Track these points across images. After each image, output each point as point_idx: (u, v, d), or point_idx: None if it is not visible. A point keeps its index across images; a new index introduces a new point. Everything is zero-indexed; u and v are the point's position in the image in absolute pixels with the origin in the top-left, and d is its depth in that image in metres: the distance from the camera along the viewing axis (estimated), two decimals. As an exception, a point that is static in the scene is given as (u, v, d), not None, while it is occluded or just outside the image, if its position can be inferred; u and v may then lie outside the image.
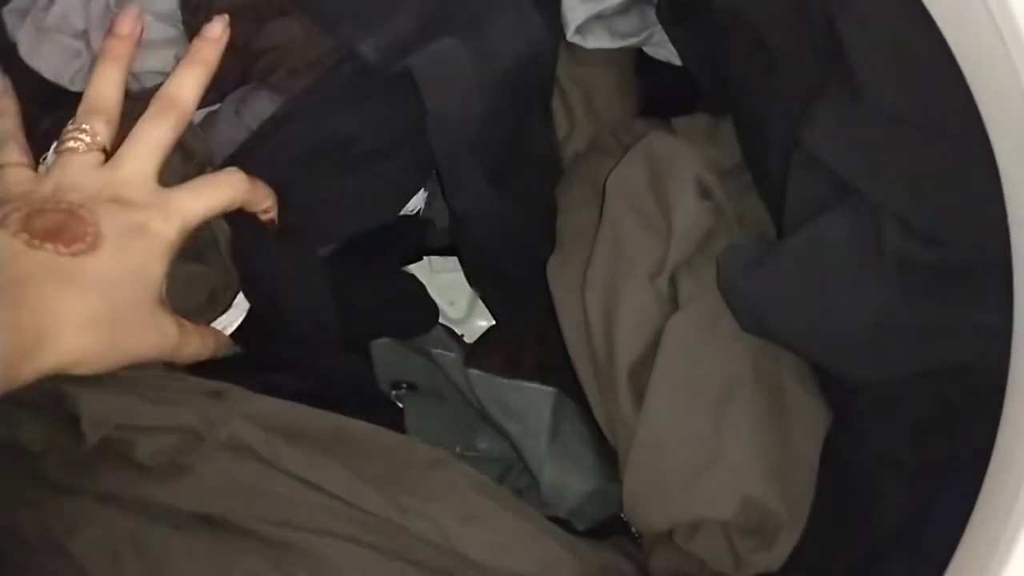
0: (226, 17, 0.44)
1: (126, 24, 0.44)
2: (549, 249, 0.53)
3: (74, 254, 0.37)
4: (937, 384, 0.38)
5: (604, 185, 0.49)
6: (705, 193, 0.45)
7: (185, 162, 0.45)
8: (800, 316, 0.39)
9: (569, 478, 0.48)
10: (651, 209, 0.46)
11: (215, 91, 0.47)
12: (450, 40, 0.45)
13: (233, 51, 0.45)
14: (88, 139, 0.41)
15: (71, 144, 0.41)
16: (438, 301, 0.77)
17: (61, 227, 0.38)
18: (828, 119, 0.38)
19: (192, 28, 0.46)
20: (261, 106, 0.45)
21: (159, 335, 0.41)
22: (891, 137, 0.37)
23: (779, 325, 0.40)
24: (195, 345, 0.43)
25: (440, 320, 0.76)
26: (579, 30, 0.54)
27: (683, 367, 0.41)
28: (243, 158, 0.44)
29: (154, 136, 0.42)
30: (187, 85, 0.43)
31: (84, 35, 0.46)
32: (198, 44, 0.44)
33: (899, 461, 0.39)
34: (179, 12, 0.46)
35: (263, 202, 0.44)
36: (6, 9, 0.46)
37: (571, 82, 0.56)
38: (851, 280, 0.37)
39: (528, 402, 0.49)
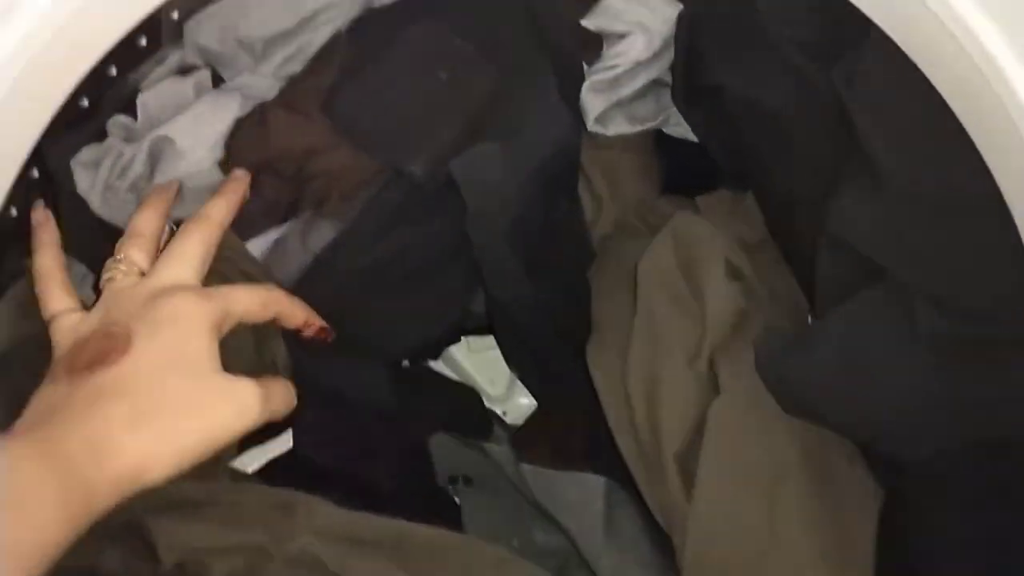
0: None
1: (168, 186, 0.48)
2: (586, 332, 0.54)
3: (106, 367, 0.38)
4: (988, 457, 0.38)
5: (636, 270, 0.50)
6: (735, 274, 0.46)
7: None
8: (841, 398, 0.40)
9: (627, 569, 0.48)
10: (683, 293, 0.47)
11: (270, 216, 0.50)
12: (486, 143, 0.47)
13: (285, 179, 0.48)
14: (125, 267, 0.44)
15: (109, 275, 0.44)
16: (477, 379, 0.78)
17: (95, 353, 0.39)
18: (850, 201, 0.39)
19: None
20: (324, 235, 0.48)
21: (234, 405, 0.40)
22: (912, 215, 0.38)
23: (821, 408, 0.41)
24: (280, 396, 0.42)
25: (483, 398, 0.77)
26: (599, 120, 0.56)
27: (730, 453, 0.42)
28: (308, 282, 0.47)
29: (187, 244, 0.44)
30: (218, 206, 0.46)
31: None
32: (227, 180, 0.48)
33: (955, 536, 0.38)
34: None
35: (298, 317, 0.46)
36: (75, 161, 0.49)
37: (594, 167, 0.58)
38: (889, 360, 0.38)
39: (580, 493, 0.49)
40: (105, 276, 0.44)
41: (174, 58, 0.52)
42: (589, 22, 0.55)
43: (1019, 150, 0.37)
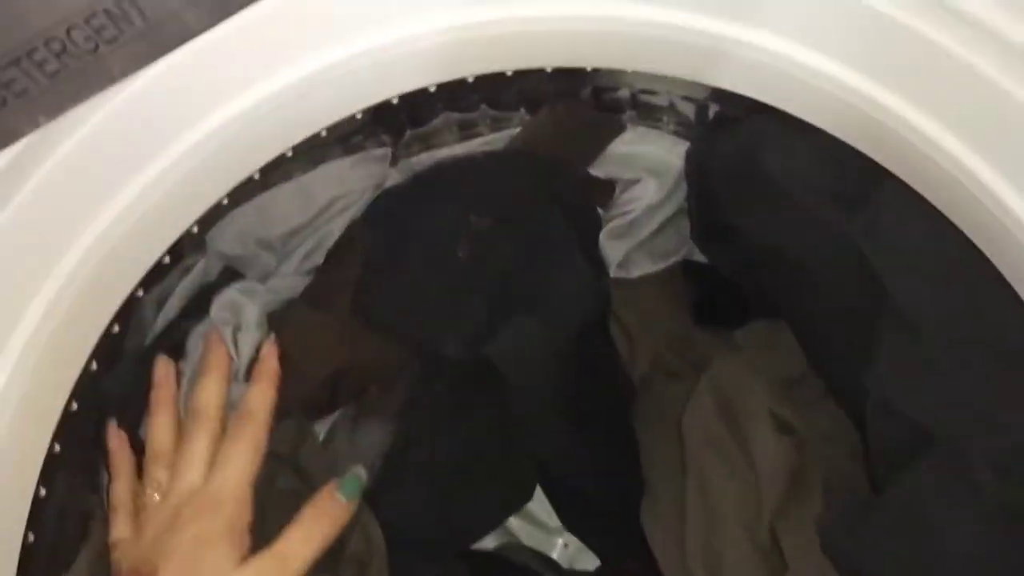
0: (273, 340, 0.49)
1: (163, 368, 0.49)
2: (636, 483, 0.53)
3: None
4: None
5: (680, 426, 0.49)
6: (784, 428, 0.45)
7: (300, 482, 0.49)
8: (909, 570, 0.38)
9: None
10: (732, 452, 0.46)
11: (310, 410, 0.51)
12: (519, 319, 0.47)
13: (316, 380, 0.49)
14: (150, 490, 0.45)
15: (143, 501, 0.45)
16: (535, 511, 0.77)
17: None
18: (890, 365, 0.38)
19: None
20: (371, 433, 0.49)
21: None
22: (956, 370, 0.37)
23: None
24: (300, 548, 0.43)
25: (540, 531, 0.76)
26: (621, 265, 0.55)
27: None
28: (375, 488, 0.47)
29: (238, 447, 0.45)
30: (258, 396, 0.47)
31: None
32: (259, 365, 0.48)
33: None
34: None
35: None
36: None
37: (624, 307, 0.58)
38: (954, 527, 0.36)
39: None
40: (143, 501, 0.46)
41: (198, 268, 0.54)
42: (599, 171, 0.55)
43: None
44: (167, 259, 0.51)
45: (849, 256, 0.42)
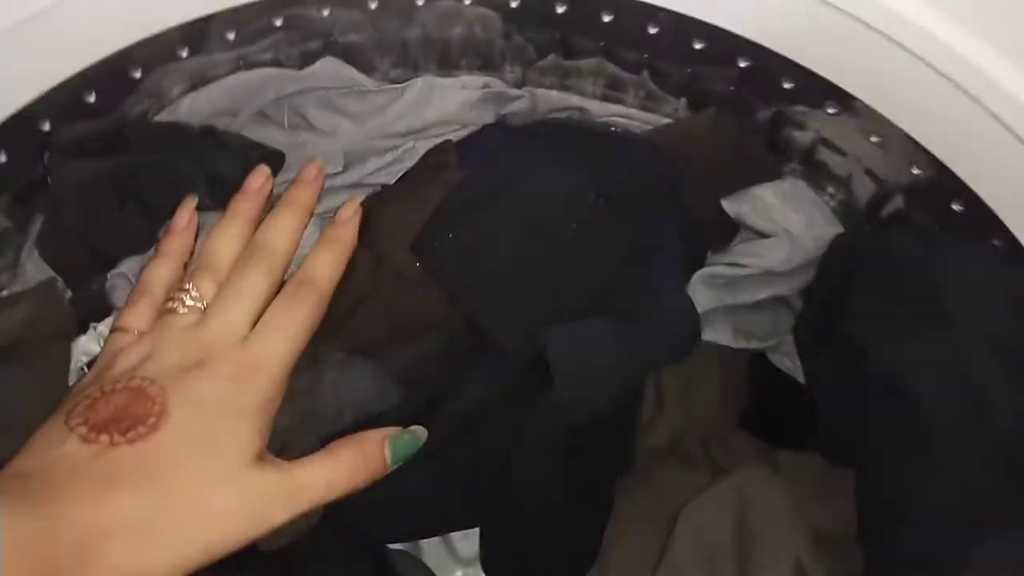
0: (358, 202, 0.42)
1: (258, 178, 0.42)
2: (589, 552, 0.43)
3: (130, 441, 0.33)
4: None
5: (677, 514, 0.39)
6: (799, 572, 0.35)
7: None
8: None
9: None
10: (728, 568, 0.36)
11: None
12: (598, 322, 0.38)
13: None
14: (191, 302, 0.38)
15: (171, 305, 0.38)
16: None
17: (121, 412, 0.34)
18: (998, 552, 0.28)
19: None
20: (363, 378, 0.41)
21: (251, 511, 0.34)
22: None
23: None
24: (320, 490, 0.35)
25: (448, 554, 0.66)
26: (701, 319, 0.46)
27: None
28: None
29: (293, 315, 0.38)
30: (324, 263, 0.40)
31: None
32: (329, 228, 0.41)
33: None
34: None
35: None
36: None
37: (671, 370, 0.48)
38: None
39: None
40: (169, 304, 0.38)
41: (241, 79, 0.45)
42: (730, 206, 0.46)
43: None
44: (231, 34, 0.43)
45: (997, 422, 0.33)
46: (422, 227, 0.41)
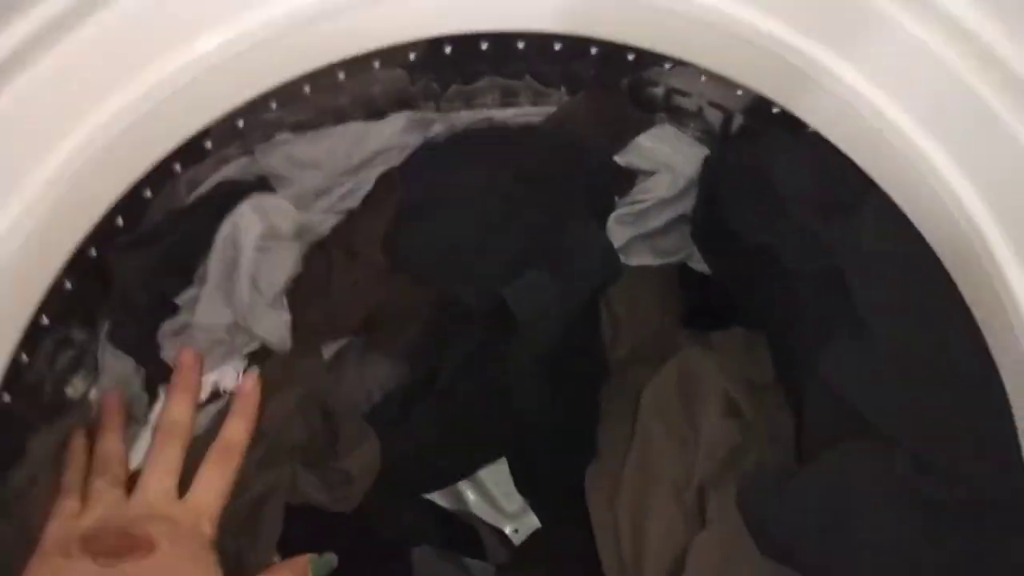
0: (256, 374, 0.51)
1: (189, 356, 0.51)
2: (591, 453, 0.55)
3: (137, 559, 0.42)
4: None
5: (639, 398, 0.52)
6: (733, 410, 0.47)
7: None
8: (817, 547, 0.39)
9: None
10: (680, 424, 0.48)
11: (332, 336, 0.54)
12: (536, 272, 0.51)
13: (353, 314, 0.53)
14: (112, 486, 0.47)
15: (100, 489, 0.47)
16: (495, 493, 0.79)
17: (124, 546, 0.43)
18: (840, 352, 0.40)
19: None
20: (381, 367, 0.54)
21: None
22: (899, 374, 0.39)
23: (797, 554, 0.40)
24: None
25: (497, 513, 0.78)
26: (622, 250, 0.58)
27: (708, 589, 0.42)
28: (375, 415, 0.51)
29: (213, 475, 0.48)
30: (237, 428, 0.49)
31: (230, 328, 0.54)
32: (240, 399, 0.51)
33: None
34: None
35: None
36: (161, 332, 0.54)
37: (617, 294, 0.60)
38: (867, 514, 0.38)
39: None
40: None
41: (237, 164, 0.57)
42: (621, 159, 0.59)
43: (1006, 322, 0.37)
44: (208, 143, 0.56)
45: (829, 264, 0.45)
46: (385, 231, 0.53)
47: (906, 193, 0.42)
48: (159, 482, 0.47)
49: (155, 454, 0.48)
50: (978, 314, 0.39)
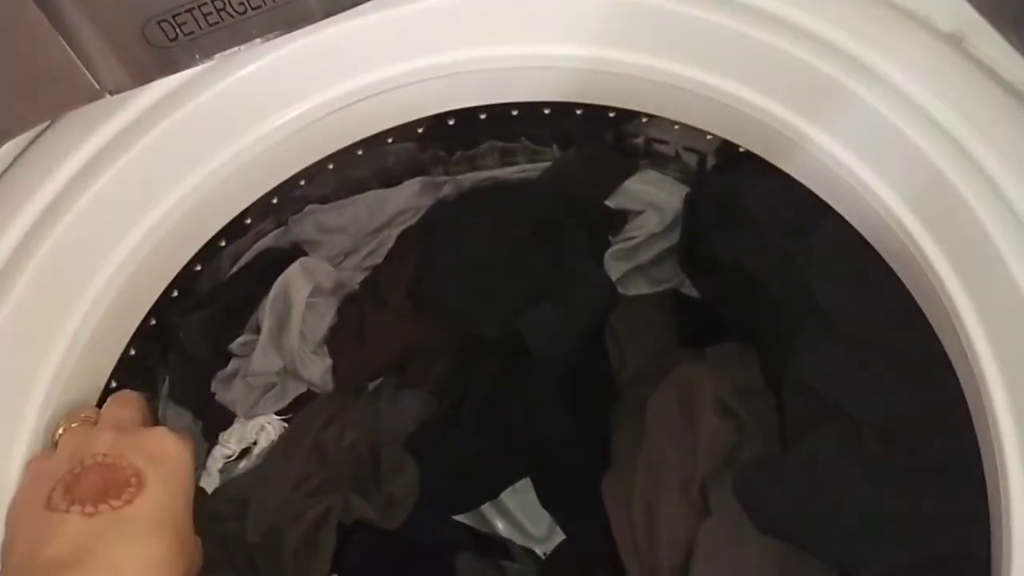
0: None
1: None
2: (606, 467, 0.61)
3: (128, 501, 0.39)
4: (946, 574, 0.43)
5: (644, 409, 0.58)
6: (727, 413, 0.54)
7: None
8: (803, 517, 0.45)
9: None
10: (682, 430, 0.55)
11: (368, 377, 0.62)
12: (545, 307, 0.58)
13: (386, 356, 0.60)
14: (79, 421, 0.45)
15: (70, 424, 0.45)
16: (521, 519, 0.84)
17: (104, 484, 0.39)
18: (809, 350, 0.47)
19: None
20: (411, 400, 0.60)
21: (199, 557, 0.43)
22: (860, 362, 0.45)
23: (787, 528, 0.46)
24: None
25: (525, 538, 0.83)
26: (619, 282, 0.65)
27: (716, 570, 0.48)
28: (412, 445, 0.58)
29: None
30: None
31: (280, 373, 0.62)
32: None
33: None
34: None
35: None
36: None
37: (619, 322, 0.67)
38: (842, 483, 0.44)
39: None
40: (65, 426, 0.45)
41: (270, 237, 0.65)
42: (612, 202, 0.66)
43: (942, 310, 0.44)
44: (248, 220, 0.64)
45: (796, 274, 0.52)
46: (408, 281, 0.60)
47: (856, 214, 0.49)
48: (120, 412, 0.45)
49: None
50: (924, 309, 0.45)
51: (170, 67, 0.41)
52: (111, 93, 0.41)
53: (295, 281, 0.62)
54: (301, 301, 0.60)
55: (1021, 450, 0.37)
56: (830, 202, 0.50)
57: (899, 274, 0.47)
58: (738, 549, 0.48)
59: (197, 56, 0.41)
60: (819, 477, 0.45)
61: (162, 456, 0.42)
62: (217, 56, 0.42)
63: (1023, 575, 0.36)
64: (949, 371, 0.43)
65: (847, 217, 0.50)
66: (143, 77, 0.41)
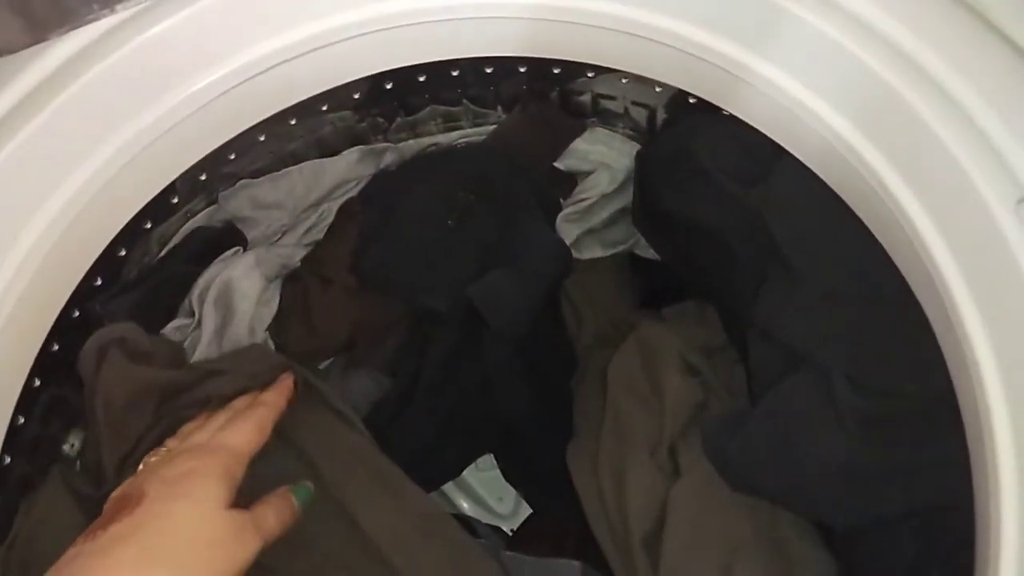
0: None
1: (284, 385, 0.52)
2: (568, 431, 0.59)
3: (122, 519, 0.40)
4: (923, 525, 0.41)
5: (606, 375, 0.56)
6: (691, 371, 0.52)
7: None
8: (776, 471, 0.44)
9: None
10: (646, 391, 0.53)
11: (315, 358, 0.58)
12: (498, 271, 0.55)
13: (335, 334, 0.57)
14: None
15: (149, 459, 0.47)
16: (486, 498, 0.82)
17: (113, 513, 0.41)
18: (771, 299, 0.45)
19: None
20: (363, 383, 0.58)
21: (237, 538, 0.41)
22: (824, 307, 0.43)
23: (759, 482, 0.45)
24: (272, 523, 0.44)
25: (491, 516, 0.81)
26: (573, 246, 0.63)
27: (690, 531, 0.46)
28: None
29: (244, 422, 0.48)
30: (275, 396, 0.50)
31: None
32: (282, 379, 0.52)
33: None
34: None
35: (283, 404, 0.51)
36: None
37: (575, 287, 0.65)
38: (814, 434, 0.42)
39: (556, 572, 0.53)
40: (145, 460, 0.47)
41: (203, 214, 0.61)
42: (561, 163, 0.64)
43: (911, 248, 0.42)
44: (175, 199, 0.59)
45: (754, 225, 0.50)
46: (351, 254, 0.57)
47: (814, 155, 0.47)
48: (188, 439, 0.46)
49: (235, 420, 0.48)
50: (887, 244, 0.44)
51: (69, 18, 0.37)
52: (2, 54, 0.37)
53: (240, 286, 0.57)
54: (252, 300, 0.56)
55: (1004, 387, 0.35)
56: (783, 142, 0.48)
57: (859, 211, 0.45)
58: (709, 510, 0.46)
59: (96, 6, 0.37)
60: (790, 428, 0.43)
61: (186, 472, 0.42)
62: (119, 7, 0.38)
63: (1013, 522, 0.35)
64: (919, 313, 0.42)
65: (800, 155, 0.48)
66: (38, 32, 0.37)
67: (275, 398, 0.51)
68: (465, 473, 0.82)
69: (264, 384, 0.52)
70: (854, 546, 0.45)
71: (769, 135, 0.49)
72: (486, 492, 0.80)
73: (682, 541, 0.45)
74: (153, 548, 0.38)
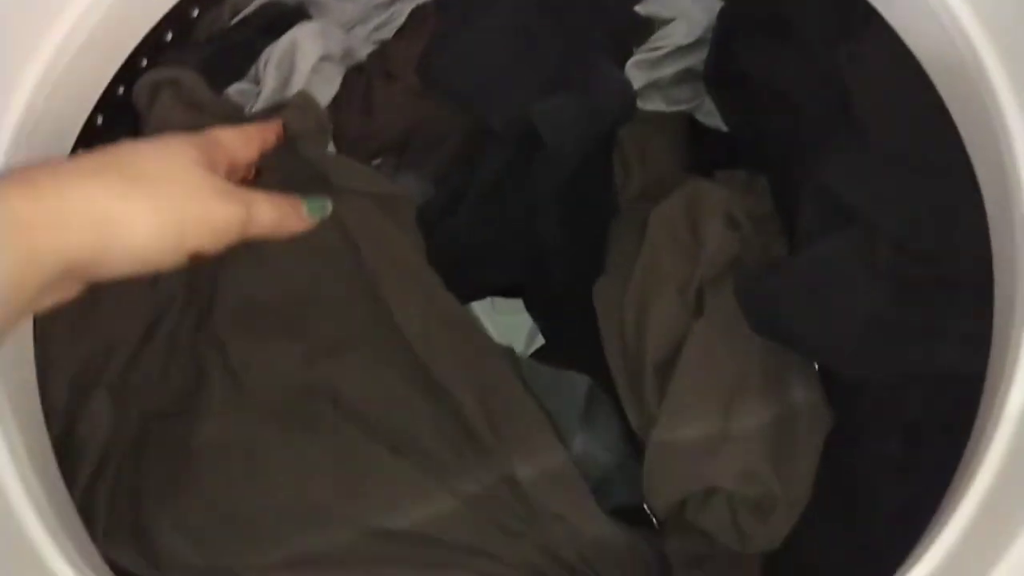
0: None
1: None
2: (596, 275, 0.60)
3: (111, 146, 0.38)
4: (929, 389, 0.43)
5: (647, 222, 0.56)
6: (733, 225, 0.52)
7: None
8: (803, 318, 0.45)
9: (596, 451, 0.53)
10: (686, 237, 0.53)
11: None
12: (564, 94, 0.54)
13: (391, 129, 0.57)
14: None
15: None
16: (498, 341, 0.84)
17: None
18: (838, 157, 0.45)
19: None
20: (410, 184, 0.58)
21: (226, 202, 0.39)
22: (888, 172, 0.43)
23: (787, 329, 0.46)
24: (265, 209, 0.40)
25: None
26: (637, 95, 0.62)
27: (702, 364, 0.47)
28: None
29: None
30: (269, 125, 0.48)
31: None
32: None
33: (892, 458, 0.43)
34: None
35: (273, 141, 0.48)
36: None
37: (629, 139, 0.65)
38: (850, 285, 0.43)
39: (567, 387, 0.54)
40: None
41: None
42: (641, 8, 0.62)
43: (989, 131, 0.42)
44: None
45: (831, 88, 0.49)
46: (420, 55, 0.57)
47: (904, 18, 0.46)
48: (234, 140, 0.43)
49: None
50: (962, 125, 0.43)
51: None
52: None
53: (303, 44, 0.58)
54: (307, 66, 0.56)
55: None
56: (883, 11, 0.47)
57: (944, 94, 0.44)
58: (724, 347, 0.47)
59: None
60: (826, 277, 0.44)
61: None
62: None
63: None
64: (976, 195, 0.42)
65: (898, 26, 0.47)
66: None
67: (272, 125, 0.48)
68: (481, 314, 0.84)
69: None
70: (855, 403, 0.46)
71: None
72: (498, 334, 0.82)
73: (694, 371, 0.47)
74: (138, 180, 0.36)
